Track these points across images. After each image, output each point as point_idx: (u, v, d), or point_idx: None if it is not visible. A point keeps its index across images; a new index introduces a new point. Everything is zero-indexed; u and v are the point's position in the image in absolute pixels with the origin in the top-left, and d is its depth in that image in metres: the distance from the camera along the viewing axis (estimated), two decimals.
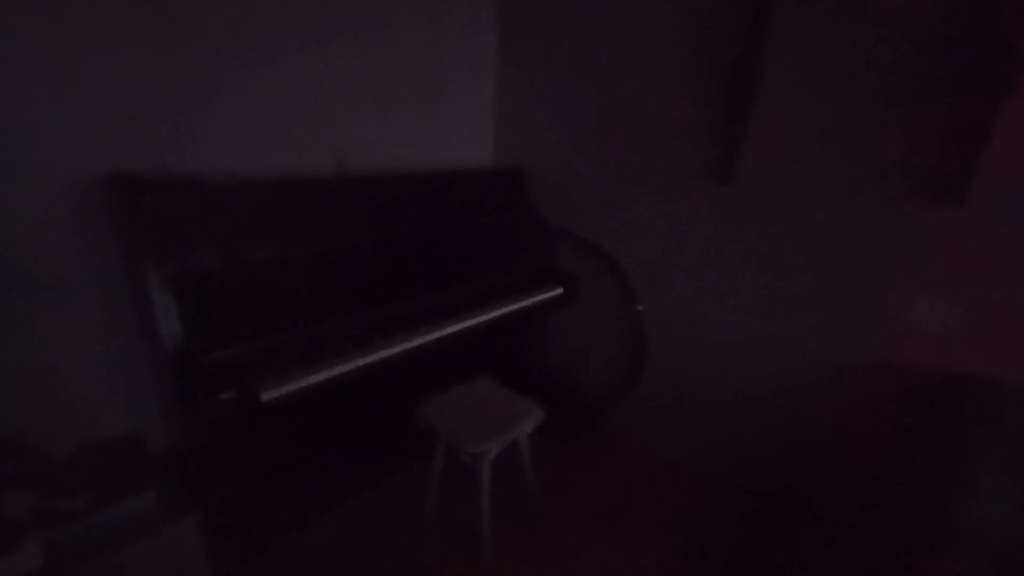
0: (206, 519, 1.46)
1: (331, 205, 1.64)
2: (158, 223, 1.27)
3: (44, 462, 1.33)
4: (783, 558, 1.64)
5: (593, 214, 2.19)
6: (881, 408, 1.56)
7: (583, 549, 1.68)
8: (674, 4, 1.78)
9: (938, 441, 1.43)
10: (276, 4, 1.62)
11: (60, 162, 1.34)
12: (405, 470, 1.96)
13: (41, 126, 1.30)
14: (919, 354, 1.47)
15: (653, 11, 1.84)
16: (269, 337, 1.35)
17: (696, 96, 1.78)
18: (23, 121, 1.27)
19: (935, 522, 1.32)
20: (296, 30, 1.68)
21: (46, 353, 1.42)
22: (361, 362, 1.43)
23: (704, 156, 1.80)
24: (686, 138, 1.84)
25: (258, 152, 1.68)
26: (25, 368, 1.39)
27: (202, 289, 1.33)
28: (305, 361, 1.36)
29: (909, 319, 1.47)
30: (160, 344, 1.26)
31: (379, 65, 1.93)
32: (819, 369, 1.69)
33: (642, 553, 1.68)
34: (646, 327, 2.11)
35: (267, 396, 1.23)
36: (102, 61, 1.35)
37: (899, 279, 1.49)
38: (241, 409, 1.23)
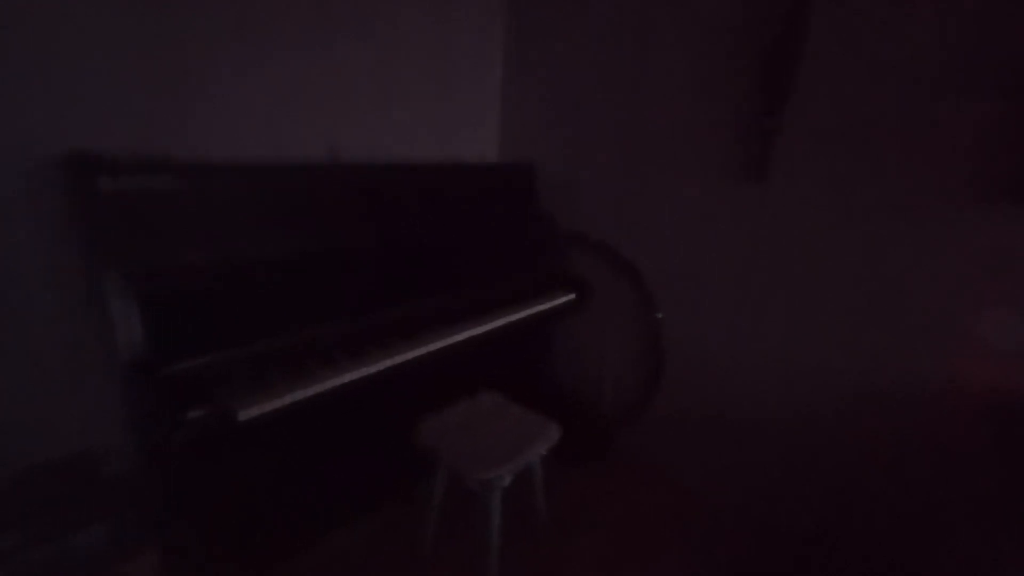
0: (167, 557, 1.26)
1: (323, 198, 1.46)
2: (118, 210, 1.08)
3: None
4: None
5: (607, 216, 2.03)
6: (936, 434, 1.40)
7: None
8: None
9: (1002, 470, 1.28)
10: None
11: (30, 146, 1.16)
12: (400, 495, 1.77)
13: (15, 108, 1.13)
14: (983, 375, 1.32)
15: None
16: (249, 347, 1.16)
17: (725, 87, 1.63)
18: None
19: None
20: (296, 15, 1.53)
21: None
22: (355, 375, 1.24)
23: (733, 153, 1.64)
24: (713, 133, 1.68)
25: (249, 141, 1.51)
26: None
27: (170, 290, 1.13)
28: (291, 374, 1.17)
29: (972, 336, 1.32)
30: (118, 353, 1.07)
31: (378, 52, 1.77)
32: (863, 391, 1.51)
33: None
34: (664, 337, 1.95)
35: (246, 415, 1.04)
36: (87, 40, 1.19)
37: (962, 292, 1.32)
38: (213, 431, 1.04)
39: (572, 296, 1.98)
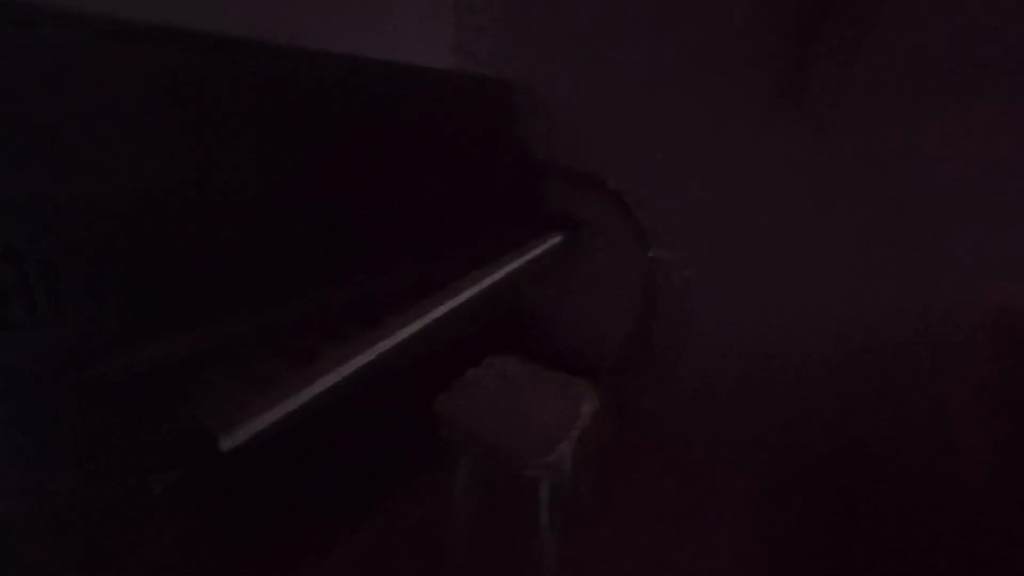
0: None
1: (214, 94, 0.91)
2: None
3: None
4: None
5: (596, 146, 1.75)
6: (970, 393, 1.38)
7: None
8: None
9: None
10: None
11: None
12: (402, 494, 1.44)
13: None
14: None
15: None
16: (204, 329, 0.71)
17: None
18: None
19: None
20: None
21: None
22: (371, 354, 0.87)
23: (770, 70, 1.43)
24: (745, 44, 1.45)
25: None
26: None
27: (59, 239, 0.62)
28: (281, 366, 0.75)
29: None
30: None
31: None
32: (900, 346, 1.45)
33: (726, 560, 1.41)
34: (658, 280, 1.78)
35: (229, 442, 0.62)
36: None
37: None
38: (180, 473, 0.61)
39: (562, 238, 1.71)
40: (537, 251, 1.52)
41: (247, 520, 1.04)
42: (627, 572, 1.33)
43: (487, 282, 1.30)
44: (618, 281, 1.87)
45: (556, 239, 1.67)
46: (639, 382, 1.92)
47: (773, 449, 1.72)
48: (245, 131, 0.92)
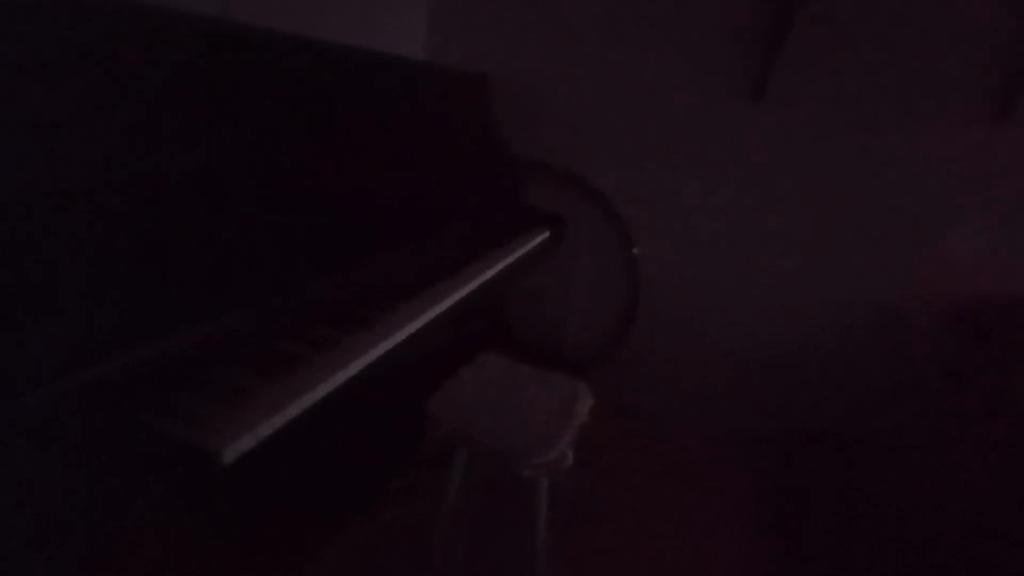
0: None
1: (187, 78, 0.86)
2: None
3: None
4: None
5: (566, 139, 1.77)
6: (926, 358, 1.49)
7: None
8: None
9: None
10: None
11: None
12: (402, 493, 1.43)
13: None
14: (972, 282, 1.42)
15: None
16: (200, 329, 0.71)
17: None
18: None
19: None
20: None
21: None
22: (370, 355, 0.86)
23: (730, 67, 1.49)
24: (707, 43, 1.50)
25: None
26: None
27: None
28: (274, 368, 0.75)
29: (966, 248, 1.40)
30: None
31: None
32: (855, 310, 1.55)
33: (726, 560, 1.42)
34: (640, 274, 1.81)
35: (232, 453, 0.62)
36: None
37: (960, 208, 1.38)
38: (173, 489, 0.61)
39: (546, 234, 1.73)
40: (527, 247, 1.52)
41: (246, 520, 1.04)
42: (627, 571, 1.33)
43: (483, 278, 1.30)
44: (601, 277, 1.89)
45: (544, 235, 1.66)
46: (637, 381, 1.92)
47: (773, 449, 1.74)
48: (228, 126, 0.91)
